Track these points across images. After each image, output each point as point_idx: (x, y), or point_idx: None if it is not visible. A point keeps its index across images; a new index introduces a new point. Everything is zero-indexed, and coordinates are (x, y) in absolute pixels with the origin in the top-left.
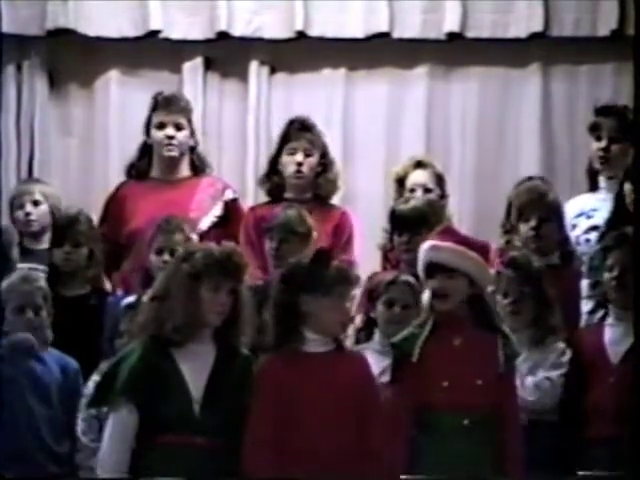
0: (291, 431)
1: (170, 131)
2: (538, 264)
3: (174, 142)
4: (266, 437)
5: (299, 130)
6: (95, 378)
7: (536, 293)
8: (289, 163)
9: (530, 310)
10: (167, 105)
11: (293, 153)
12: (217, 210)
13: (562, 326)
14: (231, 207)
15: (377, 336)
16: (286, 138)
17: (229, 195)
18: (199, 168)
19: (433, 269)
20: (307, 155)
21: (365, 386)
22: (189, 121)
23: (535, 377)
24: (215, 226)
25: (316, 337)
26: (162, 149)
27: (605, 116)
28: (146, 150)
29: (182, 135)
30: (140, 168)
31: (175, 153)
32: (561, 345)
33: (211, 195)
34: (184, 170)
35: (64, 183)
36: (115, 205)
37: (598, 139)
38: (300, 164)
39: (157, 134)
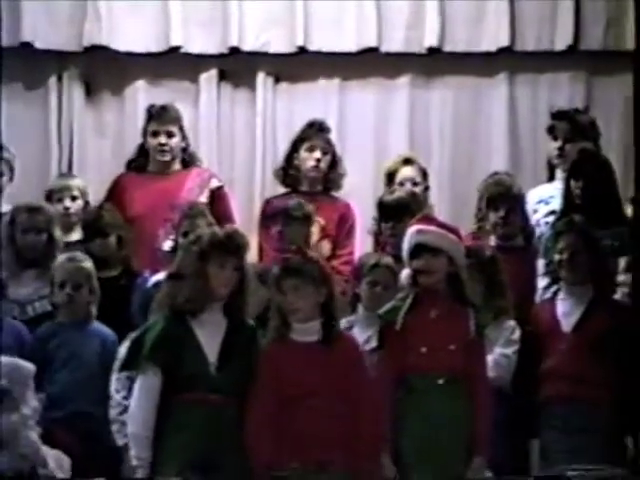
0: (287, 411)
1: (163, 139)
2: (490, 253)
3: (166, 148)
4: (264, 414)
5: (318, 131)
6: (125, 345)
7: (486, 279)
8: (308, 159)
9: (480, 294)
10: (159, 116)
11: (312, 150)
12: (204, 197)
13: (512, 306)
14: (216, 194)
15: (361, 310)
16: (306, 137)
17: (214, 183)
18: (189, 162)
19: (419, 250)
20: (324, 153)
21: (352, 371)
22: (180, 128)
23: (492, 354)
24: None
25: (299, 326)
26: (156, 154)
27: (559, 120)
28: (143, 151)
29: (173, 142)
30: (139, 163)
31: (167, 158)
32: (512, 323)
33: (198, 184)
34: (176, 165)
35: (99, 178)
36: (115, 193)
37: (555, 139)
38: (318, 160)
39: (152, 141)
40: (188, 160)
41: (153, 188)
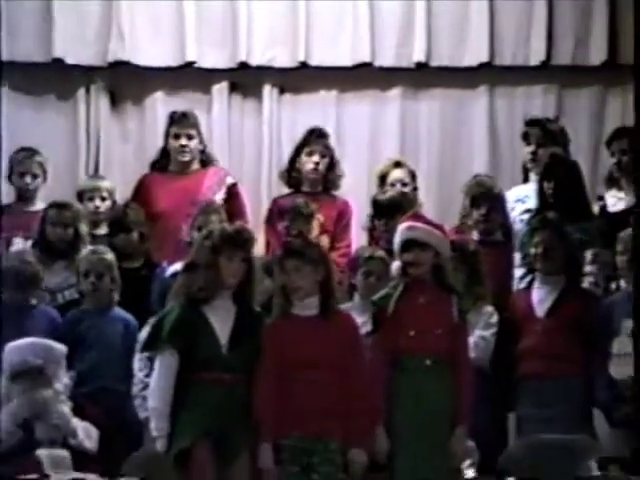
0: (288, 385)
1: (183, 141)
2: (473, 247)
3: (186, 150)
4: (269, 384)
5: (317, 137)
6: (146, 329)
7: (468, 269)
8: (308, 162)
9: (462, 282)
10: (180, 121)
11: (311, 155)
12: (222, 193)
13: (489, 293)
14: (231, 190)
15: (356, 298)
16: (306, 143)
17: (230, 180)
18: (206, 162)
19: (409, 244)
20: (322, 156)
21: (347, 344)
22: (198, 132)
23: (472, 337)
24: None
25: (299, 303)
26: (177, 155)
27: (532, 127)
28: (165, 153)
29: (193, 143)
30: (161, 164)
31: (187, 158)
32: (490, 308)
33: (216, 182)
34: (195, 165)
35: (122, 179)
36: (141, 192)
37: (528, 144)
38: (317, 163)
39: (173, 143)
40: (205, 160)
41: (175, 186)
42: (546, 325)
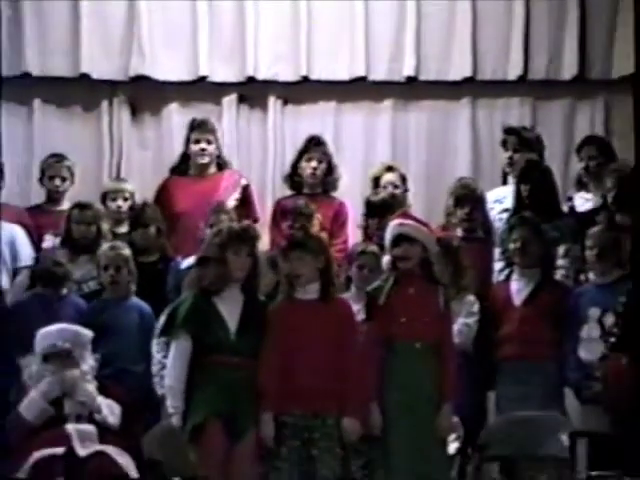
0: (289, 366)
1: (203, 145)
2: (456, 243)
3: (206, 153)
4: (273, 360)
5: (315, 145)
6: (163, 317)
7: (453, 263)
8: (306, 168)
9: (447, 275)
10: (200, 127)
11: (309, 161)
12: (237, 194)
13: (472, 284)
14: (246, 190)
15: (353, 289)
16: (305, 150)
17: (243, 182)
18: (222, 166)
19: (399, 239)
20: (320, 162)
21: (344, 325)
22: (215, 138)
23: (457, 324)
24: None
25: (300, 289)
26: (197, 158)
27: (509, 134)
28: (185, 157)
29: (211, 148)
30: (181, 169)
31: (206, 160)
32: (471, 298)
33: (232, 183)
34: (212, 168)
35: (141, 183)
36: (163, 194)
37: (506, 151)
38: (315, 168)
39: (194, 147)
40: (221, 164)
41: (194, 189)
42: (523, 313)
